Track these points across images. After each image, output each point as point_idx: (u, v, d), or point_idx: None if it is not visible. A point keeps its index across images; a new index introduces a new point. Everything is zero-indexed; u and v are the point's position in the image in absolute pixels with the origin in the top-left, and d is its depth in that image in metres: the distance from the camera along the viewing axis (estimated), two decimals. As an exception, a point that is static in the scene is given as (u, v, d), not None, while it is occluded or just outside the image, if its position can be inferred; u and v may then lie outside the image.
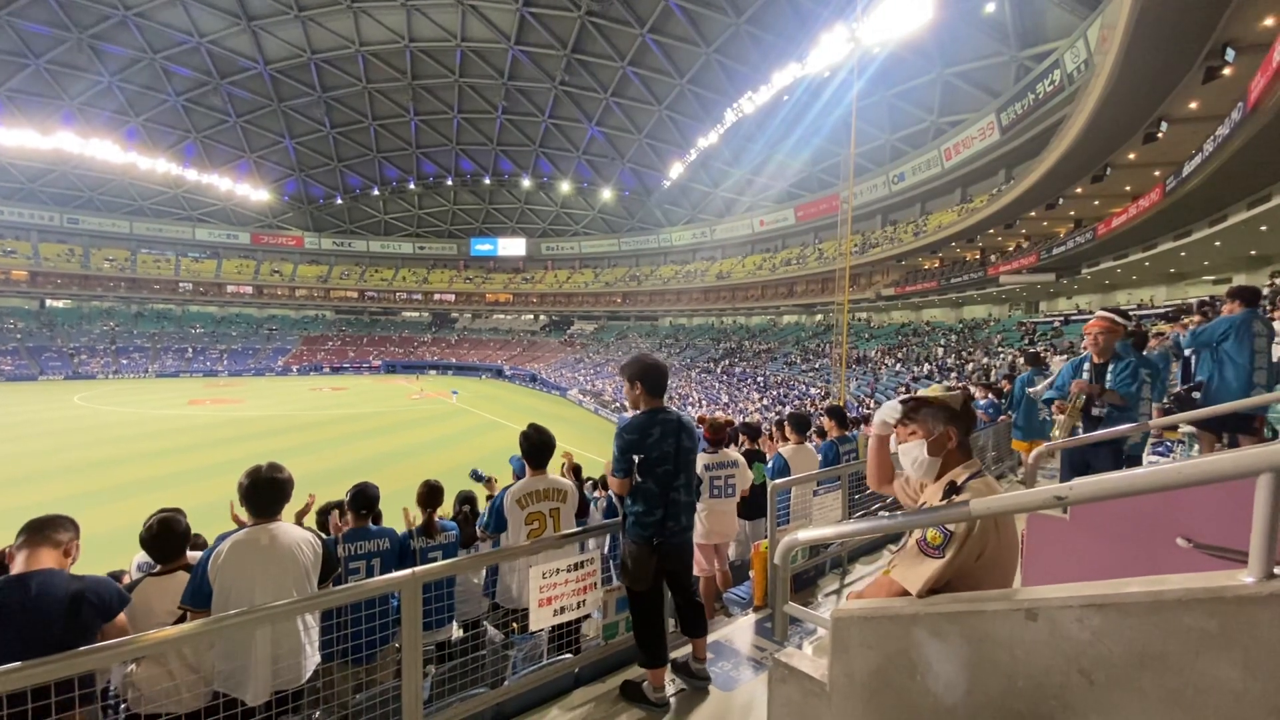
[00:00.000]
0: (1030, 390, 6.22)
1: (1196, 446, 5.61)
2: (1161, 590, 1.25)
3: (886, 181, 39.01)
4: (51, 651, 1.71)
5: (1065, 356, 14.90)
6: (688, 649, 3.12)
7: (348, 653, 3.10)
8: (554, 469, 3.91)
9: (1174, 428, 6.11)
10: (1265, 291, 15.38)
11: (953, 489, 1.80)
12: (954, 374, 24.13)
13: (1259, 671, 1.11)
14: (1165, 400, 5.35)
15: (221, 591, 2.43)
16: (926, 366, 26.83)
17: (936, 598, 1.67)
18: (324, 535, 3.76)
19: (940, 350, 28.96)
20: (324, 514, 5.39)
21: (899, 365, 29.16)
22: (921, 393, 1.97)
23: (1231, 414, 4.31)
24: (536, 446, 3.52)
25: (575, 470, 6.12)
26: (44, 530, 2.27)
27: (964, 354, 26.58)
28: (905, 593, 1.74)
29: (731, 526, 4.75)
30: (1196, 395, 4.80)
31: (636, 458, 2.78)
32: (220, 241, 65.96)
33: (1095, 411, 3.97)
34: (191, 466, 19.83)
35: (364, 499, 3.87)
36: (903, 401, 1.94)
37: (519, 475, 4.66)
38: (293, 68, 50.34)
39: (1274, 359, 4.68)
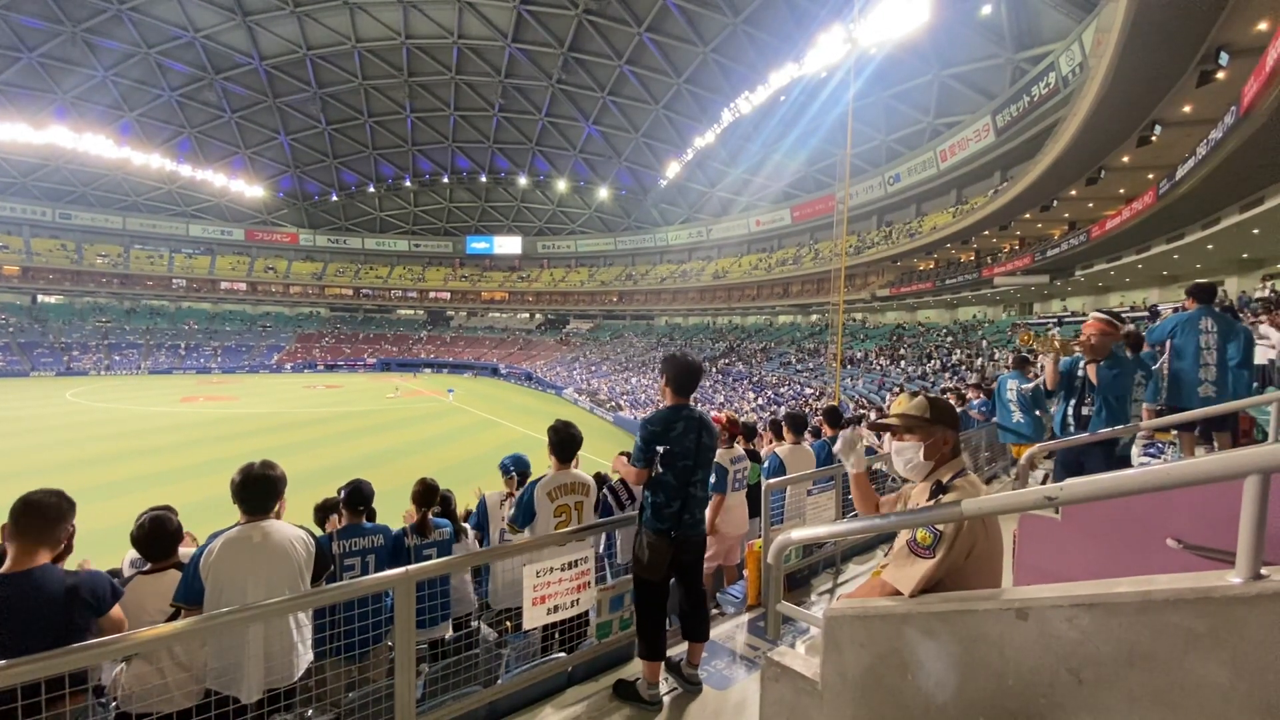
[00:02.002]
0: (1023, 386, 6.28)
1: (1182, 449, 5.66)
2: (1150, 590, 1.26)
3: (882, 182, 39.13)
4: (47, 648, 1.69)
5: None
6: (682, 648, 3.12)
7: (340, 650, 3.10)
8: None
9: (1165, 429, 6.15)
10: (1261, 295, 15.51)
11: (939, 488, 1.82)
12: (953, 371, 24.23)
13: (1246, 671, 1.12)
14: (1158, 401, 5.39)
15: (214, 589, 2.42)
16: (932, 364, 26.89)
17: (927, 597, 1.68)
18: (318, 533, 3.75)
19: (933, 350, 29.09)
20: (322, 512, 5.36)
21: (903, 364, 29.22)
22: (890, 409, 2.01)
23: (1204, 415, 4.38)
24: (565, 440, 3.58)
25: None
26: (35, 522, 2.22)
27: (964, 353, 26.72)
28: (897, 593, 1.76)
29: (744, 519, 4.88)
30: (1162, 396, 4.88)
31: (660, 449, 2.86)
32: (214, 238, 65.63)
33: (1085, 411, 4.00)
34: (184, 464, 19.73)
35: (359, 496, 3.88)
36: (871, 427, 2.04)
37: (513, 472, 4.68)
38: (288, 63, 50.11)
39: (1255, 361, 4.73)
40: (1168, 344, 4.75)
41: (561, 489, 3.51)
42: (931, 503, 1.80)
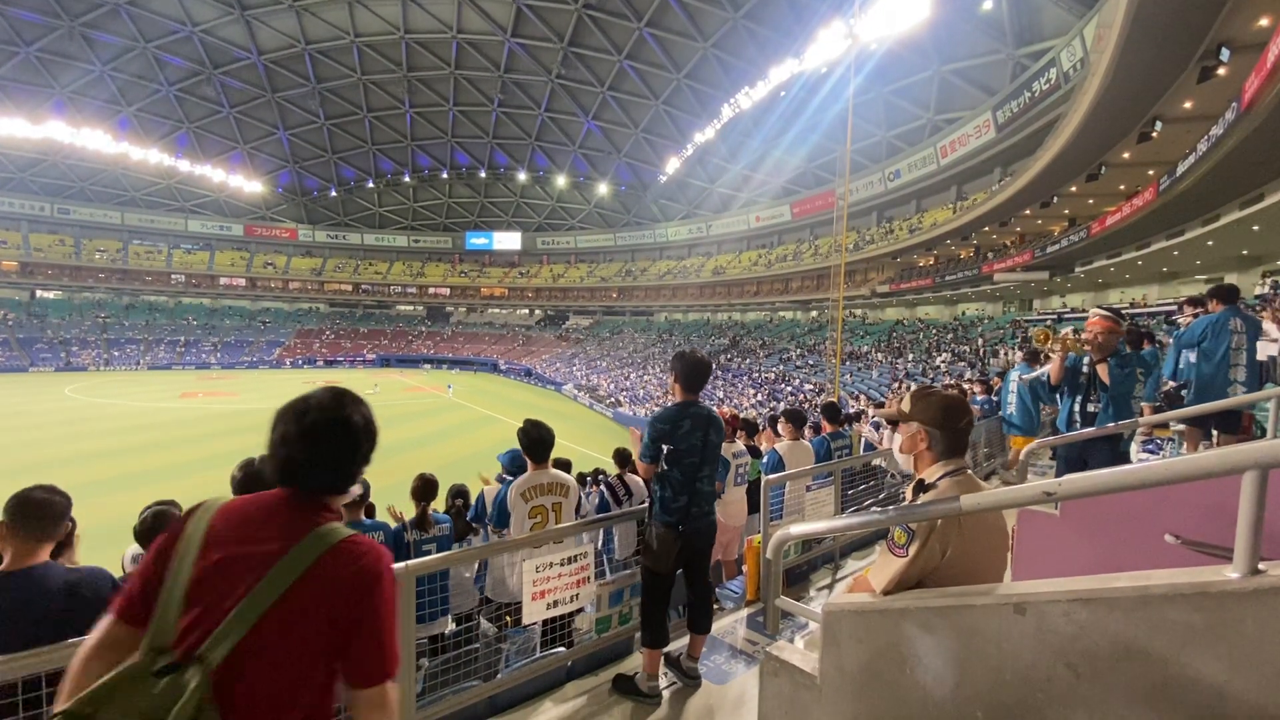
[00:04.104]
0: (1023, 377, 6.31)
1: (1185, 444, 5.67)
2: (1148, 585, 1.26)
3: (882, 179, 39.05)
4: (48, 643, 1.70)
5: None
6: (682, 643, 3.14)
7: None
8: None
9: (1164, 425, 6.17)
10: (1265, 291, 15.52)
11: (921, 487, 1.82)
12: (962, 363, 24.25)
13: (1242, 665, 1.13)
14: (1157, 398, 5.40)
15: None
16: (943, 356, 26.86)
17: (925, 591, 1.69)
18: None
19: (931, 346, 29.10)
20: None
21: (909, 358, 29.21)
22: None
23: (1216, 412, 4.38)
24: (535, 442, 3.58)
25: (565, 466, 6.14)
26: (33, 520, 2.22)
27: (967, 348, 26.74)
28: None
29: (743, 512, 4.88)
30: (1185, 394, 4.87)
31: (666, 447, 2.89)
32: (213, 233, 65.47)
33: (1091, 408, 4.01)
34: (184, 459, 19.74)
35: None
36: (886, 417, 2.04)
37: (508, 470, 4.68)
38: (287, 58, 49.91)
39: (1257, 358, 4.73)
40: (1197, 346, 4.72)
41: (537, 489, 3.51)
42: (914, 500, 1.81)
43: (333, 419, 1.24)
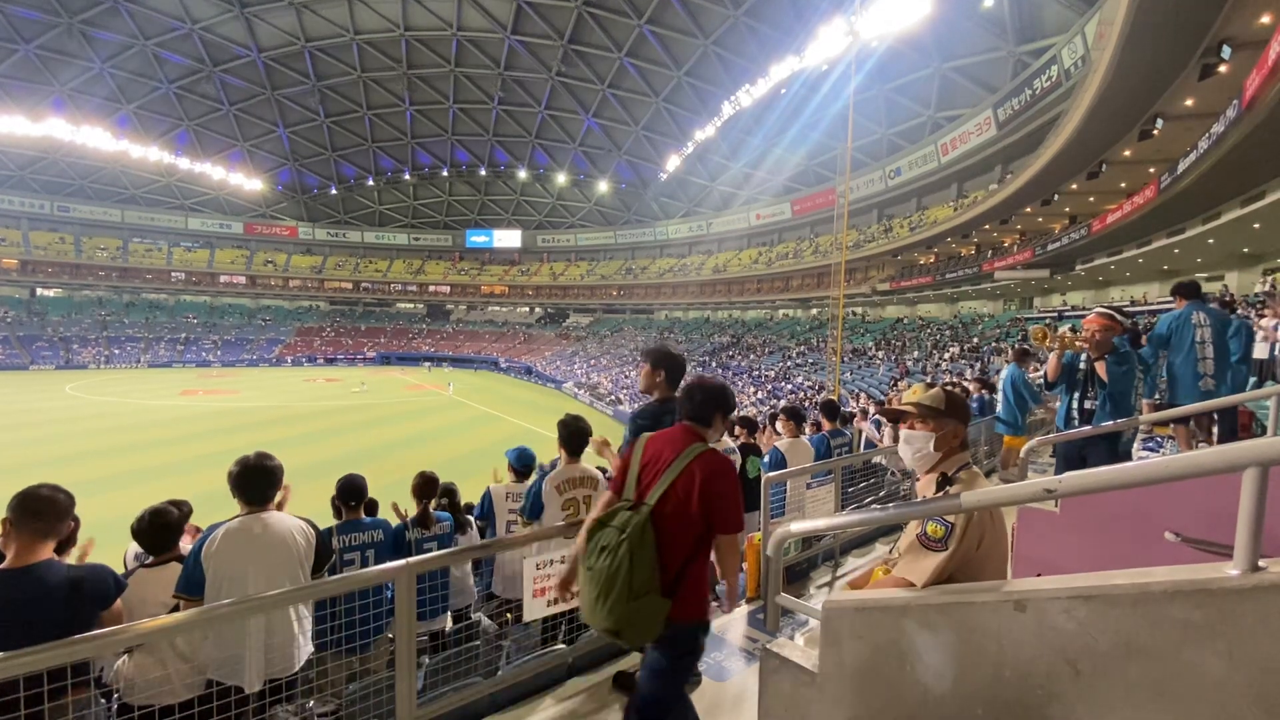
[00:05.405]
0: (1031, 380, 6.34)
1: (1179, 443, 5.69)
2: (1148, 582, 1.26)
3: (883, 176, 39.01)
4: (51, 641, 1.70)
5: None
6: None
7: (341, 642, 3.11)
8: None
9: (1164, 423, 6.18)
10: (1263, 289, 15.50)
11: (945, 481, 1.83)
12: (966, 360, 24.23)
13: (1242, 662, 1.13)
14: (1157, 396, 5.41)
15: (214, 579, 2.43)
16: (948, 353, 26.84)
17: (926, 589, 1.69)
18: (319, 525, 3.75)
19: (931, 344, 29.09)
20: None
21: (915, 353, 29.18)
22: (904, 398, 2.02)
23: (1202, 409, 4.41)
24: (575, 434, 3.63)
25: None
26: (38, 518, 2.22)
27: (967, 346, 26.72)
28: (911, 586, 1.77)
29: None
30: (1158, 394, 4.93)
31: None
32: (213, 231, 65.46)
33: (1089, 405, 4.02)
34: (185, 457, 19.73)
35: (351, 491, 3.85)
36: (883, 413, 2.09)
37: (514, 468, 4.68)
38: (287, 55, 49.83)
39: (1247, 355, 4.74)
40: (1167, 343, 4.76)
41: (570, 483, 3.55)
42: (940, 495, 1.82)
43: (694, 384, 2.31)
